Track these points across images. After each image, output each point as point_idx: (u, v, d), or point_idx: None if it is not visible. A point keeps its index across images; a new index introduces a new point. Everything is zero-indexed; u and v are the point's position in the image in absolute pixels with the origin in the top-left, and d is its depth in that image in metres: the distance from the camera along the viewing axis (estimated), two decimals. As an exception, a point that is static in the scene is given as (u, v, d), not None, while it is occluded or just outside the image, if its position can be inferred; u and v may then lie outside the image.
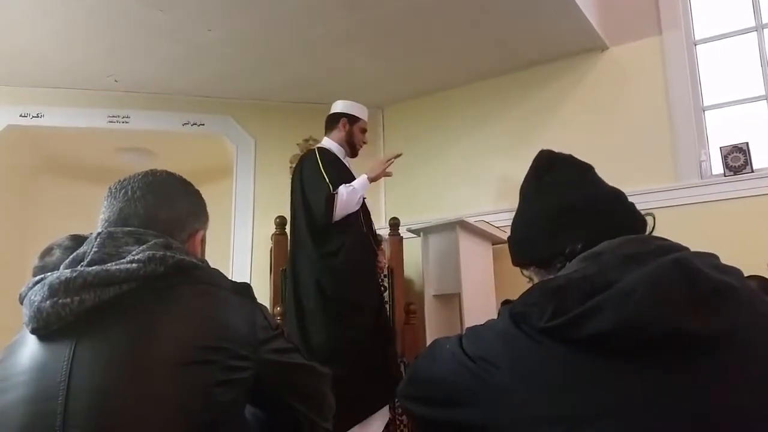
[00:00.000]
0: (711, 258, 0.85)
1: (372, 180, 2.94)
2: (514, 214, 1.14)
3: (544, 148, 1.21)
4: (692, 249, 0.88)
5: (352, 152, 3.10)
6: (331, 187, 2.78)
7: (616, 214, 1.01)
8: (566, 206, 1.03)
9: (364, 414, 2.66)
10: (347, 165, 3.05)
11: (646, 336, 0.75)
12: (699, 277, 0.79)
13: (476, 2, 3.14)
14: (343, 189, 2.79)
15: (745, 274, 2.61)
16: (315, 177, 2.84)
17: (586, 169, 1.10)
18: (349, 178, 2.94)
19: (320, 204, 2.76)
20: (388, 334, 2.95)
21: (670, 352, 0.75)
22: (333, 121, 3.10)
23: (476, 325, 0.93)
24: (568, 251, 0.98)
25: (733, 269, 0.84)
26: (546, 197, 1.07)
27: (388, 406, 2.86)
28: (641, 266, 0.81)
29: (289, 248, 2.97)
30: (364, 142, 3.15)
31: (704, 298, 0.77)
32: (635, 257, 0.84)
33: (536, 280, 1.06)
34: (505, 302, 0.89)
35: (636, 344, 0.75)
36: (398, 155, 3.09)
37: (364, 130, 3.13)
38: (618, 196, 1.04)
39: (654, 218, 1.02)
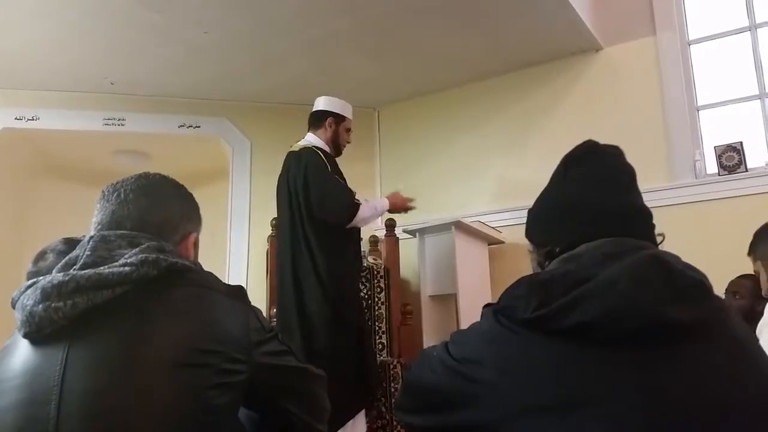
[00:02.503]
0: (677, 257, 0.89)
1: (390, 210, 2.97)
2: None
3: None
4: (687, 249, 0.95)
5: (336, 152, 3.02)
6: (355, 193, 2.78)
7: (621, 229, 0.95)
8: (571, 205, 1.02)
9: (352, 414, 2.69)
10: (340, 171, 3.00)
11: (628, 325, 0.78)
12: (673, 270, 0.83)
13: (471, 3, 3.15)
14: (365, 206, 2.80)
15: (740, 274, 2.61)
16: (328, 178, 2.80)
17: (620, 174, 1.03)
18: (343, 179, 2.92)
19: (342, 206, 2.75)
20: (367, 331, 2.96)
21: (651, 341, 0.78)
22: (319, 118, 3.00)
23: (460, 329, 0.96)
24: (548, 250, 1.00)
25: (697, 268, 0.88)
26: (562, 188, 1.06)
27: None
28: (619, 262, 0.84)
29: (282, 248, 2.89)
30: (348, 142, 3.07)
31: (681, 290, 0.81)
32: (612, 255, 0.87)
33: (533, 257, 1.07)
34: (487, 305, 0.92)
35: (618, 333, 0.78)
36: (413, 207, 3.11)
37: (349, 130, 3.05)
38: (635, 212, 0.99)
39: (663, 237, 1.02)
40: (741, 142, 3.22)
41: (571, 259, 0.92)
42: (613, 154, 1.07)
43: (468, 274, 3.31)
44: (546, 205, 1.08)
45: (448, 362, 0.89)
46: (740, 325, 0.87)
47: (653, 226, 1.00)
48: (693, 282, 0.84)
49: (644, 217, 1.00)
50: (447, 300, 3.43)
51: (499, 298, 0.89)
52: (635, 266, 0.82)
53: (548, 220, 1.05)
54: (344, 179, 2.93)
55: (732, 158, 3.23)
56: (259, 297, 3.61)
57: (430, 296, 3.39)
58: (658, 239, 1.00)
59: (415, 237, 3.52)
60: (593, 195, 1.00)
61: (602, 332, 0.78)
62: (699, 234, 3.05)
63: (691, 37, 3.54)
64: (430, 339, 3.24)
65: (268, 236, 3.80)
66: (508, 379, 0.81)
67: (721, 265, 2.17)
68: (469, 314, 3.14)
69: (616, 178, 1.02)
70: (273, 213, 3.78)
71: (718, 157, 3.26)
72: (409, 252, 3.77)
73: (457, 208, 3.88)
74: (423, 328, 3.31)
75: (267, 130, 4.31)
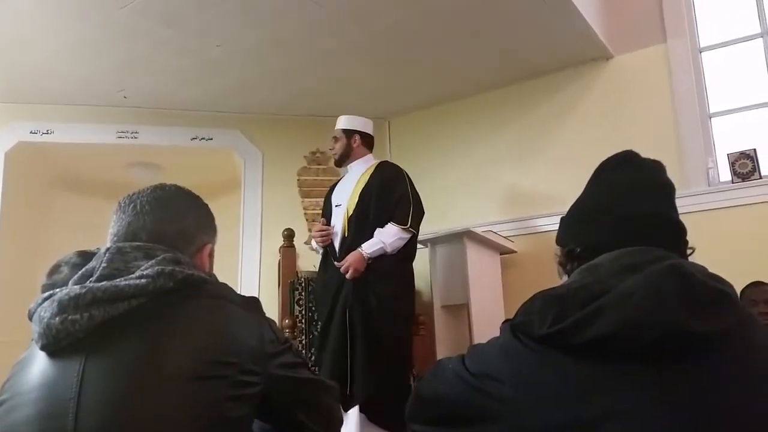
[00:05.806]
0: (702, 267, 0.87)
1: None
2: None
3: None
4: (701, 257, 0.91)
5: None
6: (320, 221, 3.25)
7: (646, 238, 0.93)
8: (594, 207, 1.03)
9: None
10: (335, 186, 3.35)
11: (645, 338, 0.76)
12: (694, 281, 0.81)
13: (481, 13, 3.15)
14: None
15: (754, 281, 2.61)
16: None
17: (653, 185, 1.01)
18: (327, 200, 3.30)
19: None
20: (340, 341, 2.95)
21: (668, 353, 0.77)
22: None
23: (478, 343, 0.95)
24: (569, 249, 1.01)
25: (723, 279, 0.86)
26: (589, 192, 1.07)
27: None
28: (637, 274, 0.83)
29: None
30: (330, 149, 3.35)
31: (699, 300, 0.79)
32: (631, 267, 0.86)
33: (556, 258, 1.07)
34: (506, 322, 0.91)
35: (635, 347, 0.77)
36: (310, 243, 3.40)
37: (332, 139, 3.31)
38: (664, 223, 0.97)
39: (693, 250, 1.00)
40: (755, 149, 3.20)
41: (589, 270, 0.91)
42: (651, 166, 1.05)
43: (480, 284, 3.30)
44: (572, 207, 1.08)
45: (464, 376, 0.89)
46: (766, 336, 0.84)
47: (686, 242, 0.97)
48: (714, 292, 0.81)
49: (675, 229, 0.98)
50: (459, 310, 3.41)
51: (515, 314, 0.88)
52: (653, 277, 0.81)
53: (571, 221, 1.06)
54: (329, 195, 3.30)
55: (745, 165, 3.20)
56: (271, 307, 3.61)
57: (442, 306, 3.38)
58: (688, 252, 0.98)
59: (426, 247, 3.52)
60: (619, 200, 0.99)
61: (620, 346, 0.77)
62: (712, 242, 3.02)
63: (703, 44, 3.52)
64: (443, 349, 3.23)
65: (280, 247, 3.81)
66: (525, 396, 0.80)
67: (735, 273, 2.14)
68: (482, 324, 3.13)
69: (648, 189, 1.00)
70: (284, 224, 3.83)
71: (732, 164, 3.23)
72: (420, 262, 3.75)
73: (468, 218, 3.87)
74: (436, 339, 3.29)
75: (278, 142, 4.34)
